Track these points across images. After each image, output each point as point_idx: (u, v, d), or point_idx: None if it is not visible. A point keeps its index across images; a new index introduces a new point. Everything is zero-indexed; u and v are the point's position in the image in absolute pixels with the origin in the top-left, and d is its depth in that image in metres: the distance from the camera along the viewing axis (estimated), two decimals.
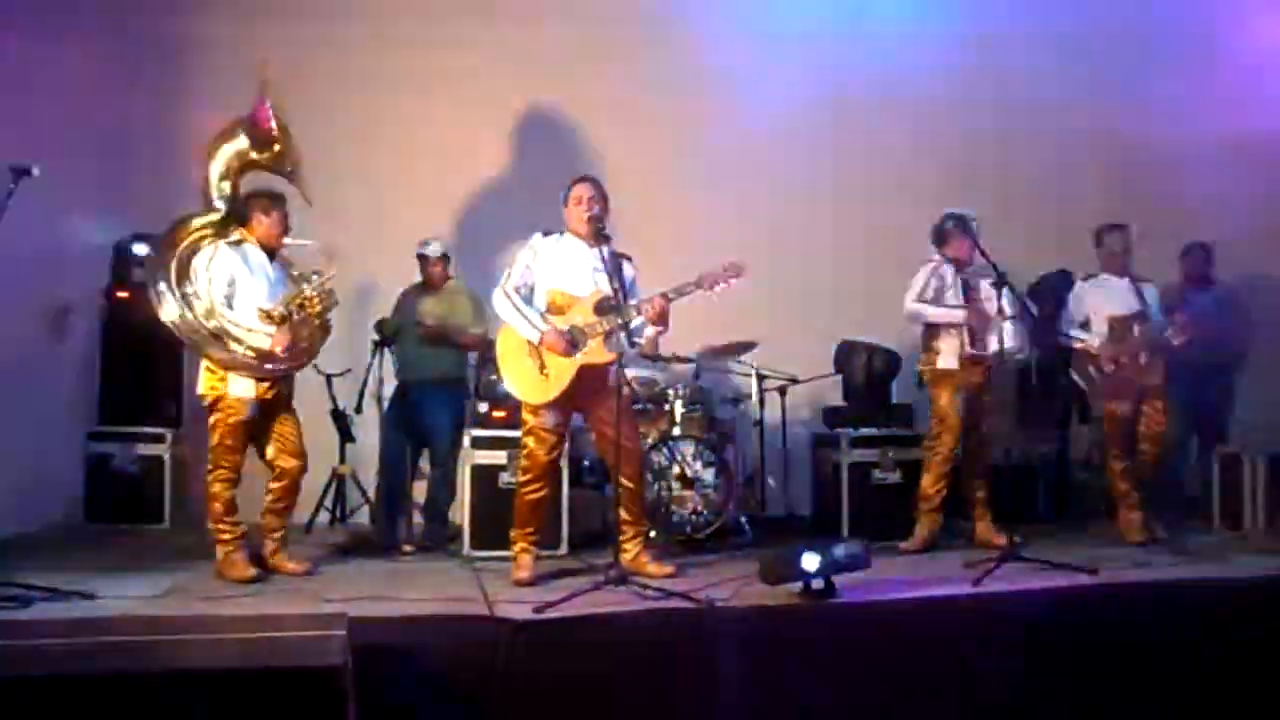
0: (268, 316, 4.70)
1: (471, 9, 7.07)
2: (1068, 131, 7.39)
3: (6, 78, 5.88)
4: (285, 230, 4.90)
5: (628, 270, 4.76)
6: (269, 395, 4.80)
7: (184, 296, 4.84)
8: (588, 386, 4.59)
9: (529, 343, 4.58)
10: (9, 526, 5.57)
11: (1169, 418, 5.67)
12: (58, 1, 6.32)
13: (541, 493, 4.73)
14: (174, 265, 4.91)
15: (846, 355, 6.41)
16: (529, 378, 4.59)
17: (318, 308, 4.88)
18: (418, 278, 6.01)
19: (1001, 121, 7.37)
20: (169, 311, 4.82)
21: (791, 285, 7.10)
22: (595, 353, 4.56)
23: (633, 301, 4.62)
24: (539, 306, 4.68)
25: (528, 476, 4.70)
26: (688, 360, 6.41)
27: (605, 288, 4.57)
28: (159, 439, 6.41)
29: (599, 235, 4.55)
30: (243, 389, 4.71)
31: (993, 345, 5.36)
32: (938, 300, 5.47)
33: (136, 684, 2.87)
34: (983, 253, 5.06)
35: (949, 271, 5.50)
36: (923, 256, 5.61)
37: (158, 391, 6.56)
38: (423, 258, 5.93)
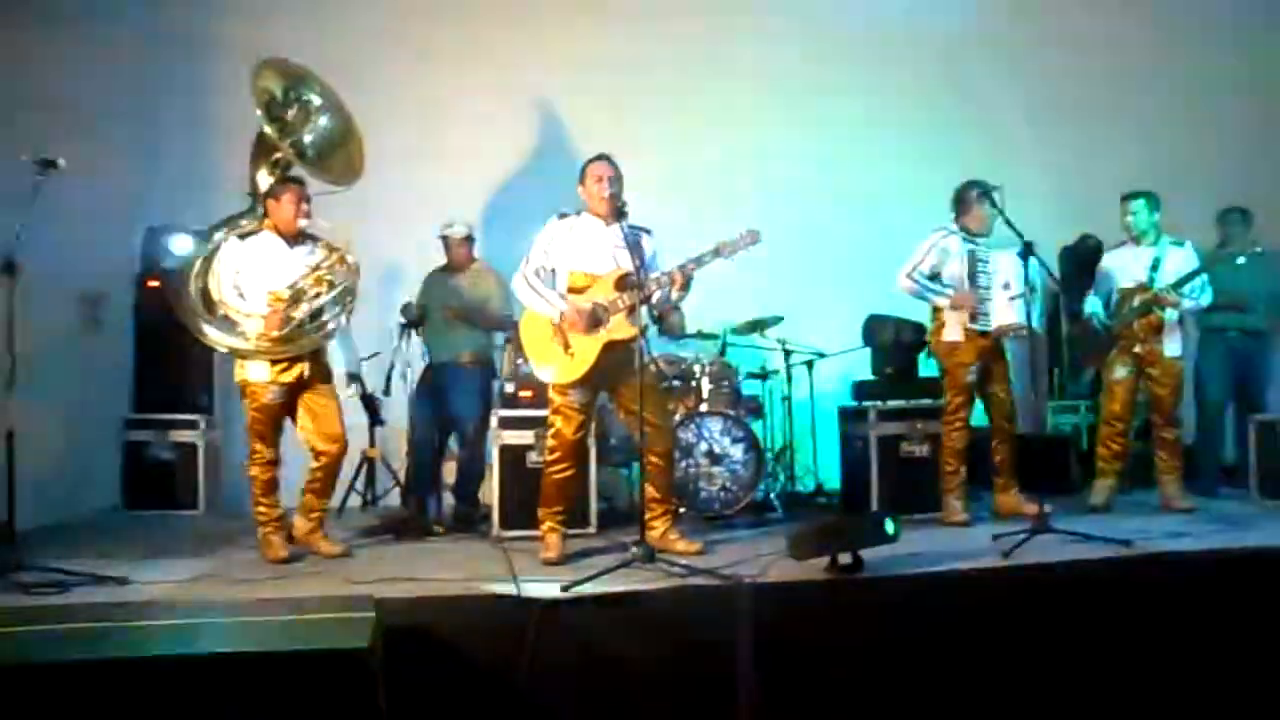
0: (276, 299, 4.72)
1: None
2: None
3: (41, 72, 5.95)
4: (300, 214, 4.81)
5: (647, 245, 4.73)
6: (290, 378, 4.78)
7: (206, 304, 4.95)
8: (613, 363, 4.58)
9: (552, 323, 4.59)
10: (48, 514, 5.66)
11: (1174, 381, 5.65)
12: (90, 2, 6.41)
13: (569, 472, 4.74)
14: (196, 291, 5.05)
15: (874, 329, 6.36)
16: (555, 358, 4.61)
17: (328, 283, 4.80)
18: (443, 260, 6.03)
19: (1041, 94, 7.30)
20: (217, 339, 4.94)
21: (818, 259, 7.09)
22: (619, 328, 4.55)
23: (654, 275, 4.60)
24: (560, 289, 4.67)
25: (555, 456, 4.72)
26: (714, 336, 6.40)
27: (626, 264, 4.55)
28: (192, 425, 6.49)
29: (617, 213, 4.54)
30: (259, 373, 4.74)
31: (999, 318, 5.33)
32: (937, 273, 5.41)
33: (168, 667, 2.91)
34: (1009, 224, 4.96)
35: (955, 242, 5.41)
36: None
37: (191, 379, 6.61)
38: (446, 239, 5.95)
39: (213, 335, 4.94)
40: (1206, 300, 5.63)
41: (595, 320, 4.56)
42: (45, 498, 5.56)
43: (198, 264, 5.11)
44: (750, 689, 3.73)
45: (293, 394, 4.84)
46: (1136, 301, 5.56)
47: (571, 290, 4.65)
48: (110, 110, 6.50)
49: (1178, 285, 5.49)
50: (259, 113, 5.14)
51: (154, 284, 6.61)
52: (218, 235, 5.15)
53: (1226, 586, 4.17)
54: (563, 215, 4.73)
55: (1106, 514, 5.47)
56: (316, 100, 5.39)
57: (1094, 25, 7.59)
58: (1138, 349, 5.57)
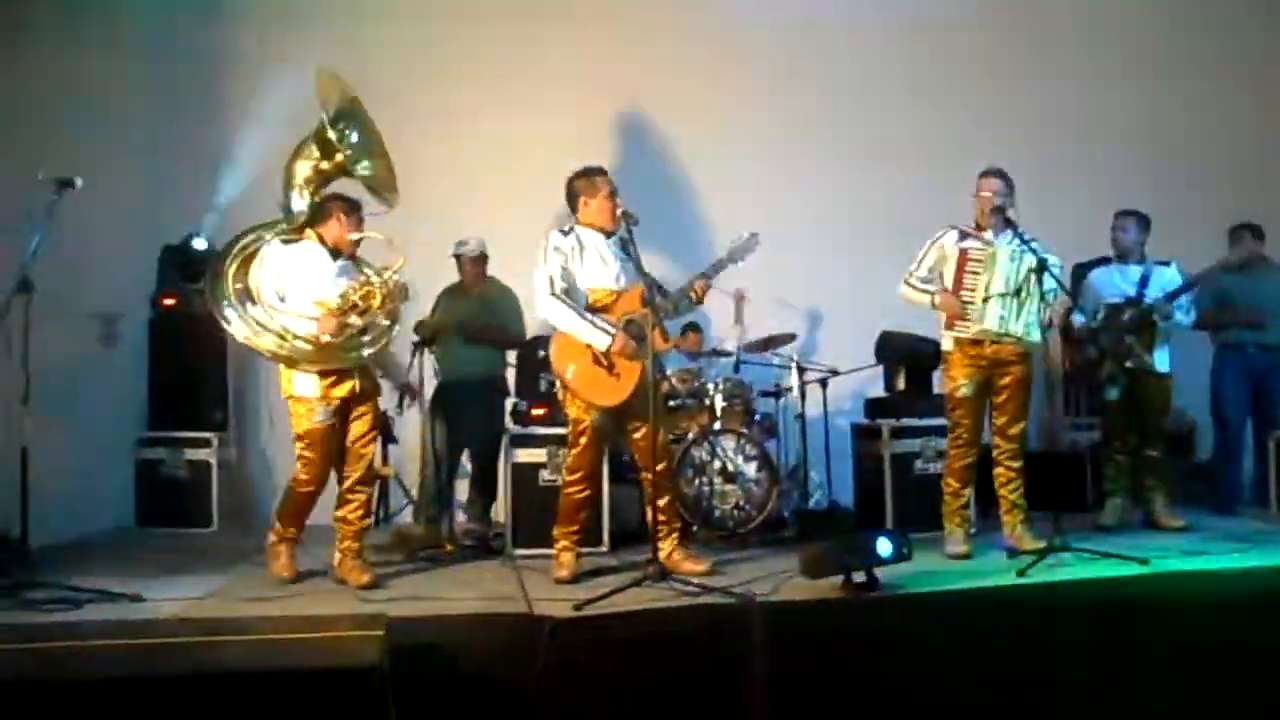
0: (325, 308, 4.59)
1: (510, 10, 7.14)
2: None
3: (58, 96, 6.01)
4: (355, 231, 4.76)
5: (634, 251, 4.55)
6: (342, 393, 4.62)
7: (244, 305, 4.79)
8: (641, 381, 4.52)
9: (590, 346, 4.50)
10: (62, 532, 5.68)
11: (1162, 397, 5.64)
12: (101, 18, 6.47)
13: (587, 492, 4.71)
14: (232, 278, 4.88)
15: (887, 346, 6.34)
16: (599, 380, 4.49)
17: (378, 299, 4.69)
18: (456, 278, 6.04)
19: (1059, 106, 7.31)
20: (238, 330, 4.77)
21: (833, 276, 7.08)
22: (657, 343, 4.47)
23: (679, 288, 4.61)
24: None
25: (576, 476, 4.66)
26: (728, 354, 6.38)
27: (631, 275, 4.57)
28: (206, 444, 6.49)
29: (626, 221, 4.48)
30: (306, 387, 4.59)
31: (981, 323, 4.84)
32: (932, 275, 5.07)
33: (178, 685, 2.92)
34: (1015, 231, 4.89)
35: (951, 238, 5.03)
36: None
37: (205, 396, 6.65)
38: (459, 258, 5.96)
39: (236, 326, 4.74)
40: (1191, 319, 5.62)
41: (638, 338, 4.48)
42: (58, 515, 5.58)
43: (236, 255, 4.97)
44: (763, 708, 3.70)
45: (345, 412, 4.69)
46: (1127, 315, 5.52)
47: (595, 309, 4.57)
48: (126, 129, 6.56)
49: (1170, 299, 5.46)
50: (325, 114, 5.06)
51: (169, 302, 6.66)
52: (249, 237, 5.06)
53: (1243, 607, 4.12)
54: (564, 231, 4.61)
55: (1118, 533, 5.41)
56: (356, 138, 5.26)
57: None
58: (1130, 364, 5.52)
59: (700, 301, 4.63)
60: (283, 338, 4.61)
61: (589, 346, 4.47)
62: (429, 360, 6.08)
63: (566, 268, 4.54)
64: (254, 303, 4.71)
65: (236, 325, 4.77)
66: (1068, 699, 3.88)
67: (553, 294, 4.47)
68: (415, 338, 6.07)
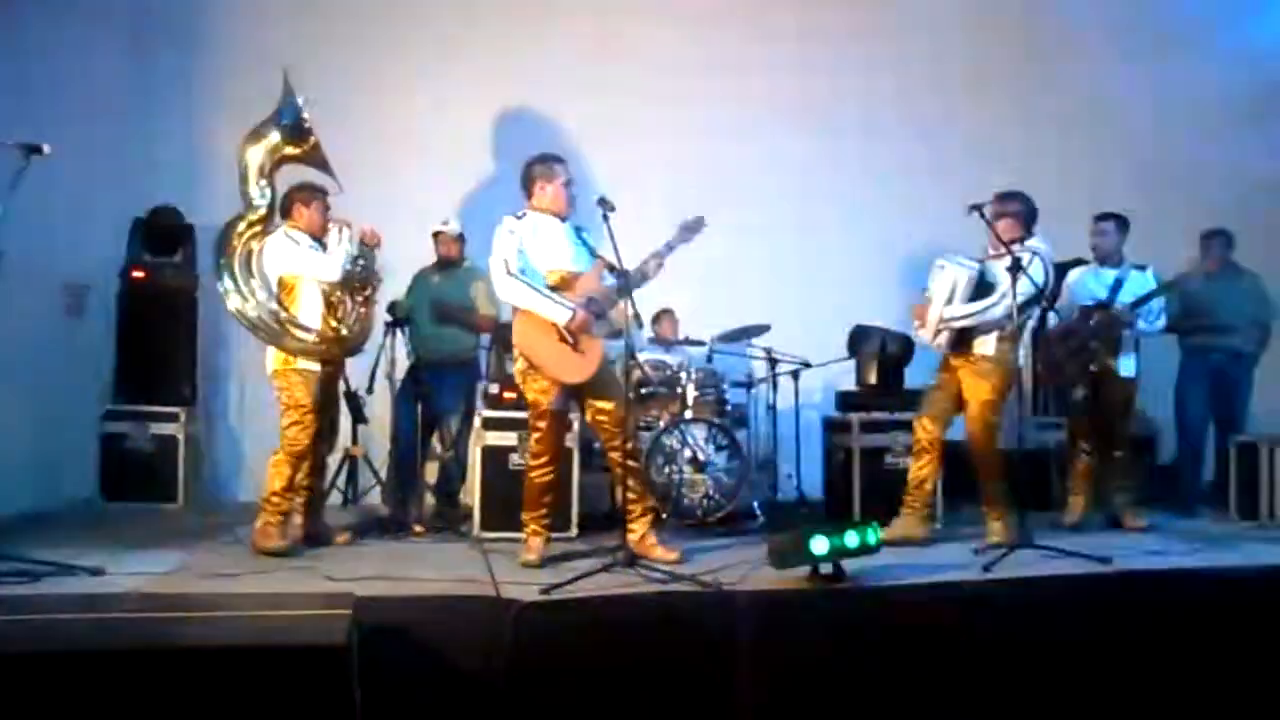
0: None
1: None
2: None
3: (30, 65, 5.91)
4: (326, 220, 5.03)
5: (587, 237, 4.73)
6: (331, 369, 5.03)
7: (247, 291, 5.04)
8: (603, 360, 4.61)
9: (553, 324, 4.53)
10: (24, 503, 5.62)
11: (1125, 400, 5.70)
12: None
13: (551, 475, 4.71)
14: (236, 263, 5.09)
15: (859, 339, 6.36)
16: (563, 358, 4.51)
17: (359, 285, 5.06)
18: (432, 258, 6.01)
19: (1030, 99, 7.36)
20: (234, 302, 5.04)
21: (805, 268, 7.10)
22: (619, 319, 4.57)
23: (641, 261, 4.63)
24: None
25: (541, 460, 4.67)
26: (700, 344, 6.39)
27: (586, 259, 4.64)
28: (173, 418, 6.44)
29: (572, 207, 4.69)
30: (309, 363, 4.92)
31: (926, 331, 5.16)
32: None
33: (140, 660, 2.88)
34: (999, 237, 4.98)
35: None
36: (938, 240, 5.55)
37: (173, 371, 6.60)
38: (439, 236, 5.93)
39: (237, 303, 5.03)
40: (1160, 325, 5.66)
41: (597, 315, 4.54)
42: (17, 485, 5.52)
43: (235, 262, 5.12)
44: (727, 695, 3.72)
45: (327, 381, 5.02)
46: (1094, 320, 5.58)
47: (555, 289, 4.58)
48: (98, 99, 6.47)
49: (1135, 306, 5.50)
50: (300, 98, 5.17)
51: (138, 275, 6.58)
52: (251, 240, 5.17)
53: (1202, 605, 4.17)
54: (518, 215, 4.64)
55: (1080, 532, 5.47)
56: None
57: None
58: (1093, 367, 5.58)
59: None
60: (295, 334, 4.89)
61: (553, 325, 4.49)
62: (401, 340, 6.04)
63: (522, 249, 4.56)
64: (255, 301, 5.01)
65: (233, 298, 5.04)
66: (1028, 693, 3.92)
67: (509, 273, 4.50)
68: (388, 317, 6.04)
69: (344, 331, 5.00)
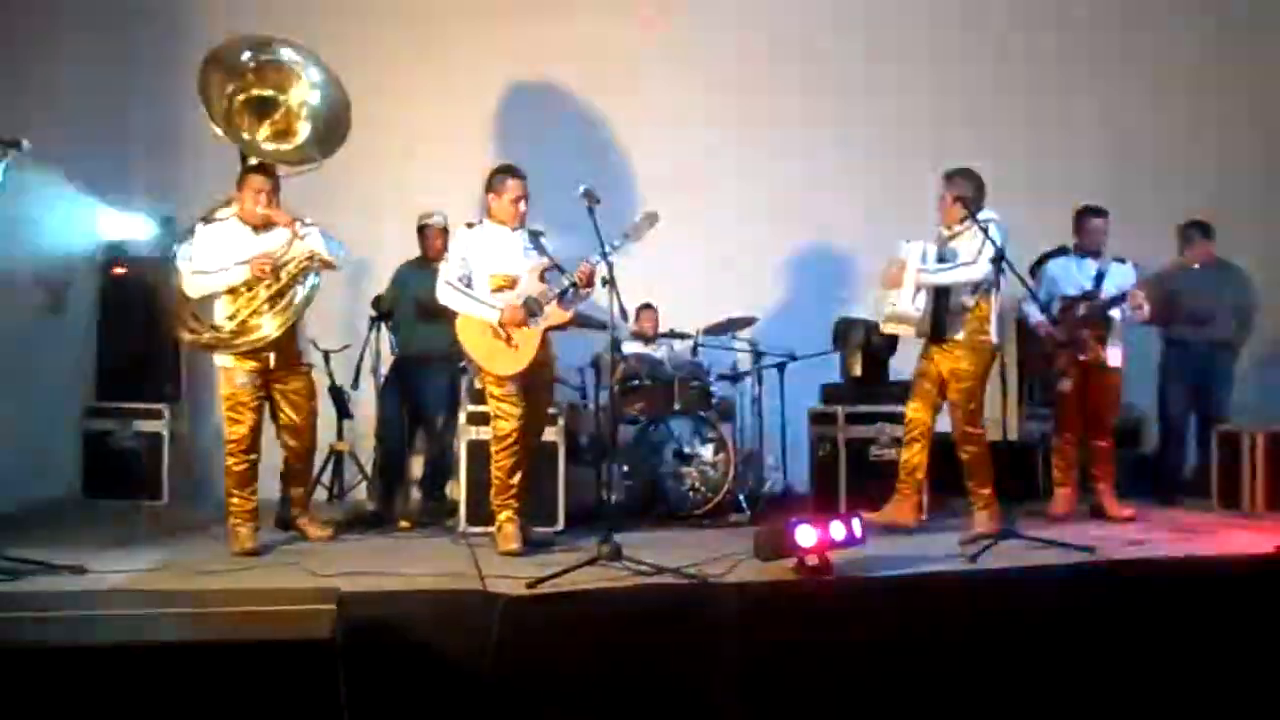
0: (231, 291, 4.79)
1: None
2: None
3: (13, 64, 5.87)
4: (262, 202, 4.84)
5: (546, 243, 4.92)
6: (256, 363, 4.80)
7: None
8: (545, 352, 4.89)
9: (489, 324, 4.76)
10: (7, 502, 5.58)
11: (1113, 390, 5.74)
12: None
13: (514, 457, 4.83)
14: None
15: (845, 332, 6.37)
16: (498, 353, 4.78)
17: (282, 272, 4.84)
18: (416, 253, 5.99)
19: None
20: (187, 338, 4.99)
21: (790, 261, 7.10)
22: (555, 315, 4.83)
23: (582, 263, 4.76)
24: (483, 292, 4.84)
25: (503, 446, 4.83)
26: (685, 337, 6.39)
27: (536, 263, 4.85)
28: (157, 415, 6.40)
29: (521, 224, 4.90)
30: (224, 358, 4.82)
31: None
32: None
33: (124, 657, 2.87)
34: (982, 229, 4.97)
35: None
36: (920, 232, 5.56)
37: (156, 368, 6.53)
38: (425, 228, 5.91)
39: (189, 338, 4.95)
40: (1144, 315, 5.65)
41: (530, 313, 4.78)
42: (2, 484, 5.48)
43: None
44: (713, 687, 3.72)
45: (265, 379, 4.85)
46: (1082, 310, 5.60)
47: (496, 291, 4.84)
48: (77, 94, 6.42)
49: (1120, 298, 5.53)
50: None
51: (119, 271, 6.54)
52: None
53: (1186, 595, 4.20)
54: (470, 225, 4.95)
55: (1067, 522, 5.49)
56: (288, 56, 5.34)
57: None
58: (1082, 358, 5.60)
59: (586, 283, 4.78)
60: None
61: (486, 323, 4.77)
62: (385, 334, 6.03)
63: (465, 258, 4.88)
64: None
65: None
66: (1012, 683, 3.93)
67: (446, 282, 4.86)
68: (372, 312, 6.03)
69: (229, 329, 4.77)
